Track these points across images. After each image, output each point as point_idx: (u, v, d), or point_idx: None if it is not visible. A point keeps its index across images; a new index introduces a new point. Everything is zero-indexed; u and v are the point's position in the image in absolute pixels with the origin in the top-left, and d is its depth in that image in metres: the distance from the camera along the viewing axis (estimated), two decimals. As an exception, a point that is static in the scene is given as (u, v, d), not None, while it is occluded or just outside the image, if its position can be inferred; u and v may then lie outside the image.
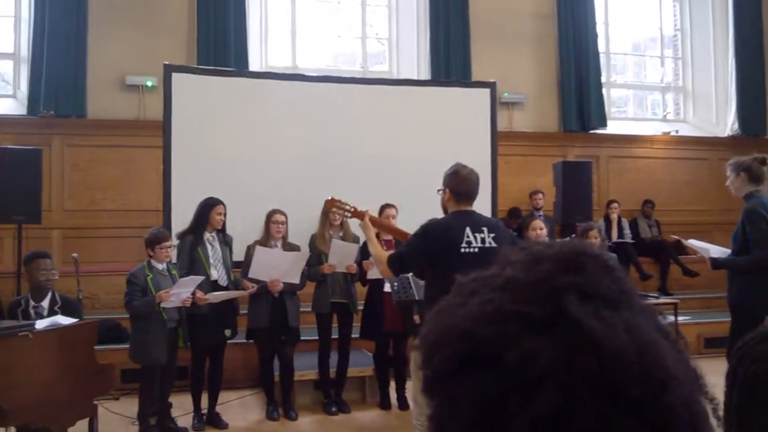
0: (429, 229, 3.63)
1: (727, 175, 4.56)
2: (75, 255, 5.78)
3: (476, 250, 3.50)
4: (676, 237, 5.83)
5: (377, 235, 4.51)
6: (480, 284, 0.61)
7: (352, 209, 4.15)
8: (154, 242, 4.97)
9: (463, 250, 3.49)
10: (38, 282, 4.48)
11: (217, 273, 5.29)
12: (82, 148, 8.18)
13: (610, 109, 10.37)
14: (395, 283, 5.00)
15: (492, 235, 3.56)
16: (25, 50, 8.32)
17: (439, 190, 3.76)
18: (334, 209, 4.24)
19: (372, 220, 4.07)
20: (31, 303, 4.47)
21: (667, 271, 8.95)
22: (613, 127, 10.04)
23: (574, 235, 7.53)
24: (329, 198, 4.26)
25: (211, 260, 5.27)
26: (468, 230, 3.52)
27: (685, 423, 0.54)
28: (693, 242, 5.08)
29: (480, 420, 0.54)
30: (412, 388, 3.88)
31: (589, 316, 0.54)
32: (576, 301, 0.55)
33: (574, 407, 0.51)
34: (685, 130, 10.54)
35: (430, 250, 3.53)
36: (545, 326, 0.54)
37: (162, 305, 4.78)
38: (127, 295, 4.86)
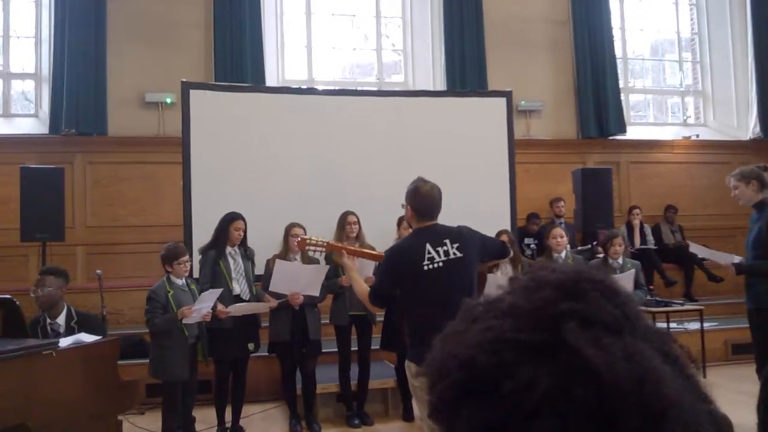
0: (391, 255, 3.60)
1: (733, 186, 4.57)
2: (99, 271, 5.83)
3: (441, 264, 3.41)
4: (689, 243, 5.85)
5: None
6: (484, 310, 0.61)
7: (325, 244, 4.12)
8: (172, 258, 4.99)
9: (426, 267, 3.41)
10: None
11: (239, 287, 5.32)
12: (104, 165, 8.28)
13: (629, 114, 10.30)
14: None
15: (456, 244, 3.46)
16: (46, 70, 8.47)
17: (402, 205, 3.68)
18: (307, 248, 4.19)
19: (349, 252, 3.97)
20: (48, 320, 4.52)
21: (692, 276, 8.85)
22: (632, 133, 9.97)
23: (596, 243, 7.47)
24: (299, 240, 4.26)
25: (233, 274, 5.30)
26: (428, 246, 3.43)
27: None
28: (702, 249, 5.11)
29: None
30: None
31: (588, 344, 0.54)
32: (575, 329, 0.55)
33: None
34: (706, 134, 10.45)
35: (397, 276, 3.48)
36: (544, 354, 0.54)
37: (184, 321, 4.80)
38: (147, 312, 4.88)
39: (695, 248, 5.39)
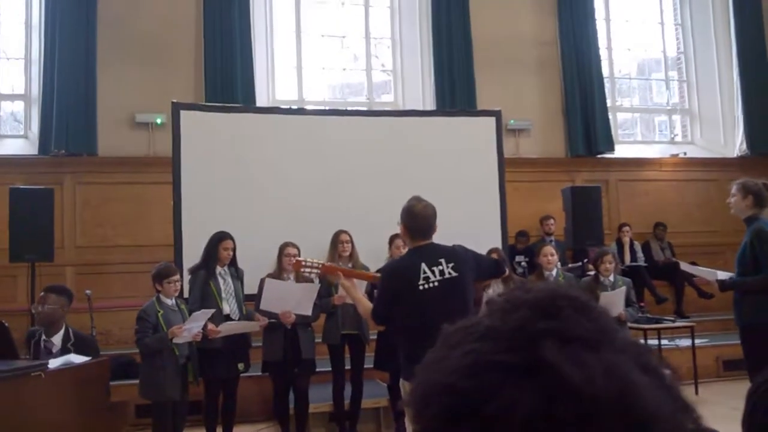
0: (386, 274, 3.60)
1: (732, 193, 4.58)
2: (88, 292, 5.79)
3: (436, 284, 3.42)
4: (675, 260, 5.89)
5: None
6: (462, 335, 0.61)
7: (320, 265, 4.12)
8: (162, 277, 4.95)
9: (421, 287, 3.41)
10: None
11: (229, 307, 5.29)
12: (94, 185, 8.25)
13: (617, 133, 10.39)
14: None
15: (451, 264, 3.47)
16: (36, 91, 8.45)
17: (398, 223, 3.68)
18: (301, 270, 4.18)
19: (345, 273, 3.96)
20: (43, 337, 4.48)
21: (683, 293, 8.88)
22: (620, 151, 10.05)
23: (587, 260, 7.50)
24: (294, 261, 4.23)
25: (224, 294, 5.28)
26: (423, 266, 3.43)
27: None
28: (691, 267, 5.14)
29: None
30: None
31: (567, 361, 0.54)
32: (553, 347, 0.55)
33: None
34: (693, 152, 10.54)
35: (392, 295, 3.47)
36: (524, 375, 0.54)
37: (174, 341, 4.76)
38: (138, 332, 4.83)
39: (685, 267, 5.43)
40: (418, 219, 3.54)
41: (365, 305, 3.75)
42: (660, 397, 0.56)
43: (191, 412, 5.43)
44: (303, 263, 4.10)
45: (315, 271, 4.14)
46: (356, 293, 3.87)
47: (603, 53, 10.26)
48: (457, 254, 3.55)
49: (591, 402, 0.51)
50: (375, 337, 5.73)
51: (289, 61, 9.59)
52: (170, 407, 4.88)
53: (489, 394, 0.53)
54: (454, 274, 3.45)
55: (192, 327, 4.79)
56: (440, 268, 3.45)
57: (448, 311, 3.25)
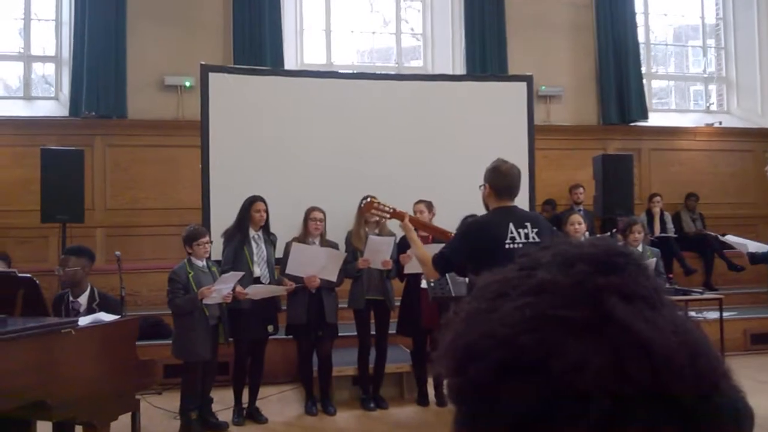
0: (472, 227, 3.62)
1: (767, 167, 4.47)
2: (118, 253, 5.85)
3: (520, 246, 3.45)
4: (714, 233, 5.77)
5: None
6: (508, 287, 0.58)
7: (392, 210, 4.11)
8: (192, 239, 5.04)
9: (507, 246, 3.46)
10: None
11: (260, 270, 5.35)
12: (123, 148, 8.33)
13: (651, 101, 10.17)
14: (432, 280, 4.97)
15: (535, 230, 3.54)
16: (66, 53, 8.51)
17: (480, 186, 3.72)
18: (373, 211, 4.19)
19: (412, 220, 4.04)
20: (70, 298, 4.56)
21: (712, 265, 8.75)
22: (654, 119, 9.85)
23: (615, 230, 7.41)
24: (367, 200, 4.22)
25: (255, 258, 5.34)
26: (511, 226, 3.50)
27: (731, 422, 0.52)
28: (730, 238, 5.02)
29: (521, 429, 0.52)
30: None
31: (636, 317, 0.52)
32: (619, 303, 0.53)
33: (625, 416, 0.49)
34: (729, 122, 10.28)
35: (474, 249, 3.49)
36: (589, 331, 0.52)
37: (204, 302, 4.84)
38: (169, 293, 4.94)
39: (725, 238, 5.28)
40: (506, 178, 3.60)
41: (423, 250, 3.83)
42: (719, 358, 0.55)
43: (219, 372, 5.53)
44: (375, 205, 4.12)
45: (386, 215, 4.17)
46: (415, 236, 3.94)
47: (639, 18, 10.00)
48: (540, 221, 3.66)
49: (664, 361, 0.50)
50: (399, 303, 5.75)
51: (318, 24, 9.50)
52: (200, 367, 4.98)
53: (552, 349, 0.52)
54: (537, 239, 3.50)
55: (221, 288, 4.87)
56: (526, 231, 3.52)
57: None
